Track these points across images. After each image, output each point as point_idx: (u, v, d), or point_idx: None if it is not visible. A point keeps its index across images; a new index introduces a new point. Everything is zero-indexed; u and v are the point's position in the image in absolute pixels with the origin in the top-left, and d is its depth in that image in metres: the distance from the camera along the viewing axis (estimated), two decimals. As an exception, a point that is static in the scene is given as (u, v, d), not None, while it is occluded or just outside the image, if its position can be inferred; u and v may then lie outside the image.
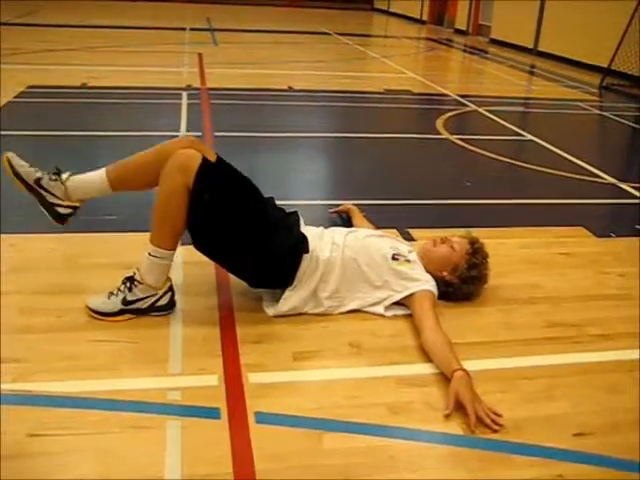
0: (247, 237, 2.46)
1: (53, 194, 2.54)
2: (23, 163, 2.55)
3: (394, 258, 2.65)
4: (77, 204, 2.59)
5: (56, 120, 5.47)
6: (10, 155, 2.54)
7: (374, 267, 2.62)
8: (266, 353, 2.35)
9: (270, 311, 2.58)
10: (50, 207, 2.56)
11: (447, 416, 2.04)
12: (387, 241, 2.79)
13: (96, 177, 2.56)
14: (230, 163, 2.56)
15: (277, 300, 2.58)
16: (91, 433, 1.90)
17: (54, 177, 2.54)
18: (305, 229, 2.69)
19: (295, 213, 2.76)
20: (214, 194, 2.39)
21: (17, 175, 2.53)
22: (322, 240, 2.65)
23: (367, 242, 2.71)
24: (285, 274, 2.54)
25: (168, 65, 8.68)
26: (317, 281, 2.57)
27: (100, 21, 13.28)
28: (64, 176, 2.55)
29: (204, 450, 1.86)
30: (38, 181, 2.53)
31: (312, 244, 2.57)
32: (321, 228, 2.80)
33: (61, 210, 2.57)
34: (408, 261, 2.68)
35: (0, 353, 2.23)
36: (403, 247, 2.81)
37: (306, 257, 2.53)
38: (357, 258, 2.62)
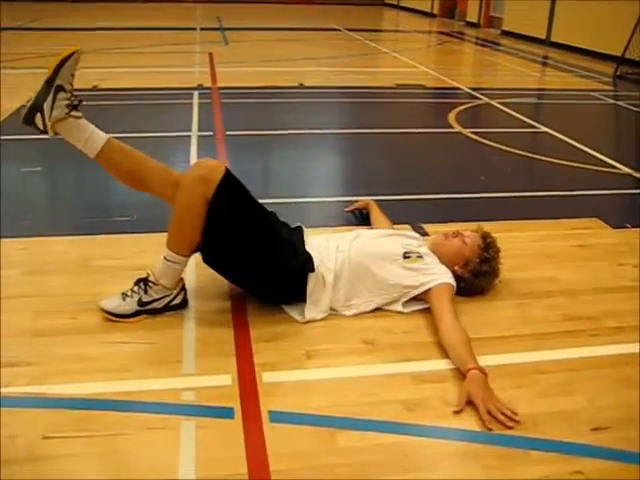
0: (257, 255, 2.47)
1: (52, 108, 2.38)
2: (72, 72, 2.41)
3: (405, 256, 2.63)
4: (52, 133, 2.44)
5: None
6: (77, 53, 2.41)
7: (386, 269, 2.60)
8: (279, 352, 2.34)
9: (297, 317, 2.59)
10: (35, 109, 2.38)
11: (456, 412, 2.03)
12: (396, 239, 2.77)
13: (93, 136, 2.46)
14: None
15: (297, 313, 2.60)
16: (105, 435, 1.90)
17: (71, 102, 2.41)
18: (309, 240, 2.69)
19: (299, 229, 2.76)
20: (233, 209, 2.40)
21: (59, 65, 2.36)
22: (327, 253, 2.63)
23: (375, 245, 2.69)
24: (292, 293, 2.57)
25: (179, 65, 8.70)
26: (329, 295, 2.57)
27: (109, 23, 13.31)
28: (75, 112, 2.42)
29: (218, 450, 1.85)
30: (59, 87, 2.37)
31: (317, 260, 2.56)
32: (325, 236, 2.79)
33: (38, 122, 2.40)
34: (420, 256, 2.66)
35: (3, 356, 2.24)
36: (414, 242, 2.79)
37: (312, 276, 2.53)
38: (367, 262, 2.60)
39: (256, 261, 2.48)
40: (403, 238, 2.81)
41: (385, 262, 2.61)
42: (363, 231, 2.88)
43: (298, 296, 2.56)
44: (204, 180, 2.36)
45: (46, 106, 2.37)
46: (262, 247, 2.47)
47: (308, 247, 2.63)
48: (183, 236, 2.43)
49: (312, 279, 2.54)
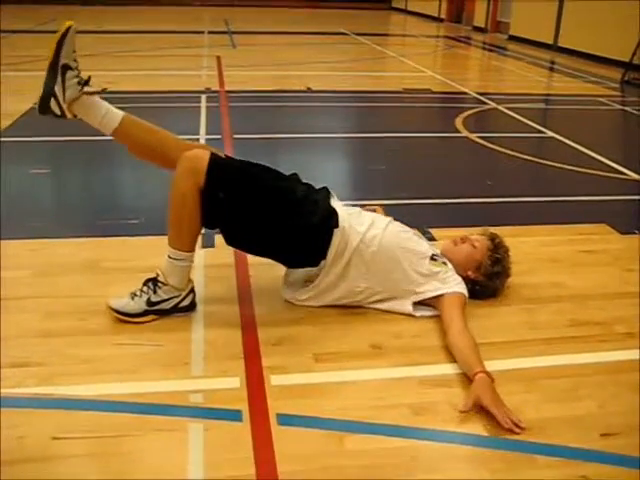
0: (272, 221, 2.45)
1: (64, 90, 2.36)
2: (73, 48, 2.38)
3: (432, 258, 2.63)
4: (70, 116, 2.43)
5: (76, 125, 5.51)
6: (73, 28, 2.37)
7: (413, 262, 2.59)
8: (288, 355, 2.34)
9: (300, 296, 2.61)
10: (48, 95, 2.36)
11: (462, 412, 2.03)
12: (424, 242, 2.77)
13: (110, 114, 2.45)
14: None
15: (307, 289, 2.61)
16: (114, 436, 1.90)
17: (81, 80, 2.39)
18: (338, 205, 2.62)
19: (325, 189, 2.70)
20: (228, 190, 2.39)
21: (59, 44, 2.33)
22: (359, 218, 2.60)
23: (409, 237, 2.67)
24: (316, 250, 2.52)
25: (187, 69, 8.73)
26: (346, 261, 2.53)
27: (118, 27, 13.37)
28: (87, 88, 2.41)
29: (226, 453, 1.86)
30: (65, 66, 2.35)
31: (345, 220, 2.52)
32: (359, 209, 2.74)
33: (54, 107, 2.38)
34: (445, 263, 2.66)
35: (13, 356, 2.25)
36: (437, 250, 2.79)
37: (337, 232, 2.49)
38: (397, 250, 2.57)
39: (272, 229, 2.45)
40: (426, 241, 2.82)
41: (413, 257, 2.59)
42: (393, 221, 2.81)
43: (320, 254, 2.51)
44: (192, 171, 2.35)
45: (57, 89, 2.35)
46: (273, 213, 2.44)
47: (334, 204, 2.59)
48: (182, 231, 2.43)
49: (337, 236, 2.49)
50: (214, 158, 2.39)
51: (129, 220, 3.52)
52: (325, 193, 2.67)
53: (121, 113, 2.48)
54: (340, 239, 2.50)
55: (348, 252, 2.52)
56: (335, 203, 2.63)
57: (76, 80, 2.38)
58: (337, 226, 2.50)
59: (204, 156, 2.38)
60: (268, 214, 2.44)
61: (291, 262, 2.62)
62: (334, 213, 2.53)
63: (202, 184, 2.35)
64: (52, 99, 2.36)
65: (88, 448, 1.86)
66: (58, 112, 2.39)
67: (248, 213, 2.42)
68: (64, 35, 2.34)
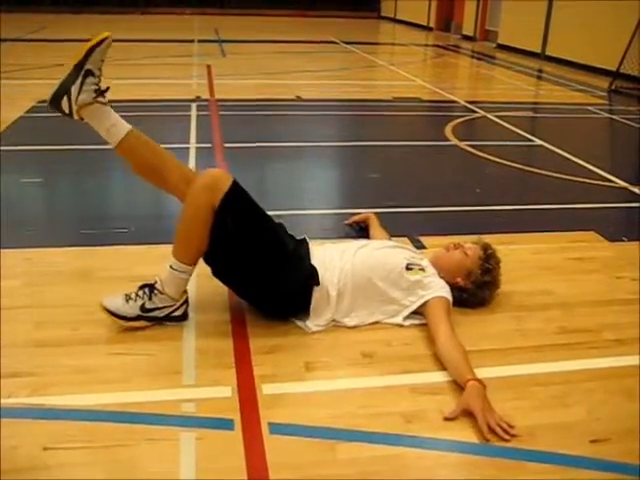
0: (262, 269, 2.48)
1: (79, 92, 2.38)
2: (102, 58, 2.42)
3: (408, 268, 2.64)
4: (77, 118, 2.44)
5: (67, 134, 5.51)
6: (109, 40, 2.42)
7: (389, 280, 2.62)
8: (279, 364, 2.35)
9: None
10: (63, 92, 2.38)
11: (446, 419, 2.05)
12: (400, 251, 2.78)
13: (117, 125, 2.47)
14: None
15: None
16: (106, 446, 1.90)
17: (99, 88, 2.42)
18: (315, 252, 2.69)
19: (304, 241, 2.77)
20: (237, 220, 2.41)
21: (90, 49, 2.38)
22: (332, 265, 2.63)
23: (380, 255, 2.70)
24: (297, 306, 2.58)
25: (177, 77, 8.74)
26: (332, 309, 2.58)
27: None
28: (102, 98, 2.43)
29: (218, 461, 1.86)
30: (89, 71, 2.39)
31: (321, 273, 2.57)
32: (328, 245, 2.82)
33: (64, 105, 2.40)
34: (422, 269, 2.67)
35: (5, 367, 2.25)
36: (416, 255, 2.81)
37: (316, 289, 2.55)
38: (371, 274, 2.61)
39: (260, 275, 2.50)
40: (405, 251, 2.83)
41: (389, 274, 2.62)
42: (369, 241, 2.90)
43: (303, 309, 2.58)
44: (211, 188, 2.37)
45: (74, 90, 2.38)
46: (266, 261, 2.49)
47: (314, 260, 2.64)
48: (190, 244, 2.45)
49: (317, 292, 2.55)
50: (236, 184, 2.41)
51: (121, 229, 3.52)
52: (306, 247, 2.72)
53: (129, 126, 2.50)
54: (320, 295, 2.55)
55: (332, 299, 2.57)
56: (313, 251, 2.69)
57: (94, 87, 2.41)
58: (318, 284, 2.54)
59: (228, 178, 2.41)
60: (262, 258, 2.48)
61: (270, 312, 2.64)
62: (315, 272, 2.57)
63: (217, 204, 2.36)
64: (65, 97, 2.39)
65: (81, 458, 1.86)
66: (67, 111, 2.41)
67: (247, 251, 2.45)
68: (99, 43, 2.39)
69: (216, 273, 2.57)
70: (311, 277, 2.55)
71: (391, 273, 2.62)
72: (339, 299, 2.59)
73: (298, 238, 2.78)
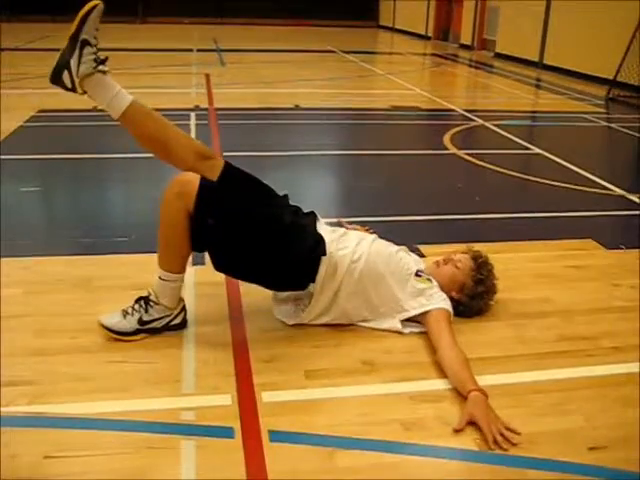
0: (261, 247, 2.45)
1: (78, 64, 2.34)
2: (96, 26, 2.36)
3: (417, 275, 2.65)
4: (80, 91, 2.40)
5: (67, 143, 5.53)
6: (99, 7, 2.34)
7: (398, 279, 2.61)
8: (279, 372, 2.35)
9: (291, 321, 2.62)
10: (63, 66, 2.35)
11: (456, 431, 2.04)
12: (412, 259, 2.79)
13: (119, 96, 2.41)
14: (238, 167, 2.53)
15: (299, 310, 2.62)
16: (106, 454, 1.91)
17: (98, 57, 2.37)
18: (324, 229, 2.64)
19: (312, 213, 2.72)
20: (218, 217, 2.38)
21: (83, 19, 2.32)
22: (346, 241, 2.61)
23: (395, 253, 2.69)
24: (303, 278, 2.53)
25: (176, 86, 8.77)
26: (338, 284, 2.54)
27: (107, 44, 13.35)
28: (102, 67, 2.38)
29: (219, 470, 1.86)
30: (84, 41, 2.33)
31: (331, 246, 2.53)
32: (344, 230, 2.77)
33: (65, 80, 2.36)
34: (429, 280, 2.68)
35: (5, 375, 2.25)
36: (421, 264, 2.82)
37: (324, 260, 2.50)
38: (383, 267, 2.59)
39: (259, 257, 2.46)
40: (413, 257, 2.84)
41: (400, 273, 2.62)
42: (378, 238, 2.83)
43: (308, 282, 2.53)
44: (180, 196, 2.35)
45: (73, 62, 2.34)
46: (261, 242, 2.44)
47: (321, 230, 2.60)
48: (172, 254, 2.44)
49: (324, 264, 2.50)
50: (204, 183, 2.37)
51: (119, 238, 3.53)
52: (312, 218, 2.68)
53: (131, 97, 2.45)
54: (327, 265, 2.51)
55: (338, 277, 2.54)
56: (322, 227, 2.65)
57: (93, 57, 2.36)
58: (324, 253, 2.51)
59: (194, 180, 2.36)
60: (256, 242, 2.44)
61: (277, 287, 2.64)
62: (321, 240, 2.54)
63: (191, 209, 2.34)
64: (65, 71, 2.35)
65: (81, 467, 1.86)
66: (69, 85, 2.37)
67: (236, 240, 2.42)
68: (89, 12, 2.32)
69: (220, 269, 2.53)
70: (316, 246, 2.50)
71: (402, 273, 2.62)
72: (349, 273, 2.53)
73: (306, 211, 2.72)
